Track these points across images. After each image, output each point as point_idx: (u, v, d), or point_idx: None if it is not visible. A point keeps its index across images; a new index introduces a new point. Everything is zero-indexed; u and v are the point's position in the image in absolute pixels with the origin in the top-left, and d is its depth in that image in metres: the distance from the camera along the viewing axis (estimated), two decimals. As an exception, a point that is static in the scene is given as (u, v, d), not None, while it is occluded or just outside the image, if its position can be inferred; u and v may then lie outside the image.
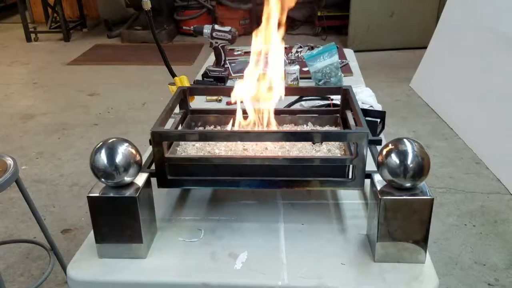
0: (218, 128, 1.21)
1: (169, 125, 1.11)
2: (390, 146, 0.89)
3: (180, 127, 1.16)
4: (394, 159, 0.86)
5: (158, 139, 0.95)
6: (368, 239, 0.97)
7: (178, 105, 1.19)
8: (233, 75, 2.03)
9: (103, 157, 0.89)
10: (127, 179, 0.90)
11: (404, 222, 0.88)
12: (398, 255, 0.91)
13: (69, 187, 2.58)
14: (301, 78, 1.89)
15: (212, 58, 2.08)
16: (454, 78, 3.28)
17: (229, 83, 1.96)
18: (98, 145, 0.90)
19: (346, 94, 1.16)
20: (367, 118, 1.47)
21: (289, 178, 0.99)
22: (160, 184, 1.00)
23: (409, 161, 0.85)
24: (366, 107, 1.67)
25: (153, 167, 1.01)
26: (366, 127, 0.95)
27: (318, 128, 1.19)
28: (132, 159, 0.91)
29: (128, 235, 0.92)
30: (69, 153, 2.96)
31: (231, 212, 1.08)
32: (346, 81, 1.93)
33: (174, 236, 1.01)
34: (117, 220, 0.91)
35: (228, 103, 1.76)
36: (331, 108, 1.25)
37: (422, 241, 0.89)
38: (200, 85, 1.69)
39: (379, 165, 0.89)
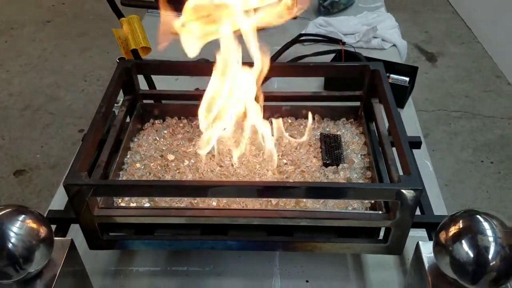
0: (185, 121, 0.82)
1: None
2: (459, 227, 0.54)
3: (128, 121, 0.78)
4: (466, 251, 0.52)
5: (77, 196, 0.59)
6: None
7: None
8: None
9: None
10: (33, 271, 0.56)
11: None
12: None
13: (20, 112, 2.18)
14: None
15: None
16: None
17: None
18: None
19: (375, 79, 0.76)
20: (393, 77, 1.08)
21: (285, 240, 0.65)
22: (92, 246, 0.66)
23: (490, 258, 0.52)
24: (387, 46, 1.26)
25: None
26: (417, 176, 0.58)
27: (331, 124, 0.82)
28: (36, 240, 0.55)
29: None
30: (19, 62, 2.49)
31: (206, 258, 0.76)
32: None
33: (120, 307, 0.70)
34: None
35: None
36: (352, 95, 0.83)
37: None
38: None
39: (438, 250, 0.55)
